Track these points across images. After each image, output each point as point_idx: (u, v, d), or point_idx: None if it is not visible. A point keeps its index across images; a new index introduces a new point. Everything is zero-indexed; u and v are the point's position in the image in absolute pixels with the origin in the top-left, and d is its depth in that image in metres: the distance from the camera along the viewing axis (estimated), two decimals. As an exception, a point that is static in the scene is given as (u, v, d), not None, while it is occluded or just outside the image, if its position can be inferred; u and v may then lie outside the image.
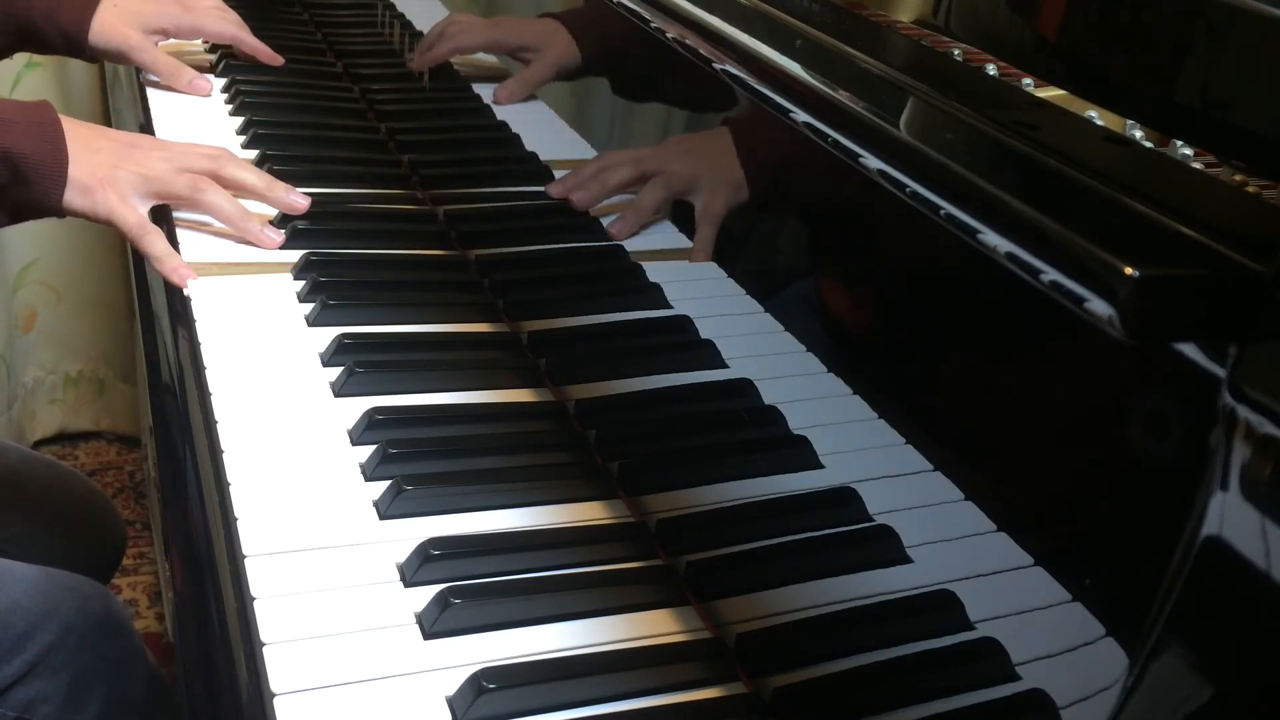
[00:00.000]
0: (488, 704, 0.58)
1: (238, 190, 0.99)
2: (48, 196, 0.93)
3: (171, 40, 1.33)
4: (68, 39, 1.23)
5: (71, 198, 0.93)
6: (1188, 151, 0.54)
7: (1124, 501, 0.54)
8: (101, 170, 0.94)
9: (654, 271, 0.95)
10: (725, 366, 0.85)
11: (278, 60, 1.34)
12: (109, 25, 1.23)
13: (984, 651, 0.60)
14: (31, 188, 0.92)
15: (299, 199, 1.01)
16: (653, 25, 0.88)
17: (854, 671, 0.62)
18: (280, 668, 0.59)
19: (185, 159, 0.98)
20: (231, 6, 1.45)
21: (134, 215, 0.95)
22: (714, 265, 0.91)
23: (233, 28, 1.32)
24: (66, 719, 0.95)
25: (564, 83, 1.22)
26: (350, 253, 0.98)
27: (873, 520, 0.69)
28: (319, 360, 0.84)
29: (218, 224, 0.99)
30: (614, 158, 1.05)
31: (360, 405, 0.78)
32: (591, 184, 1.04)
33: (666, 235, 1.01)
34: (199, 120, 1.20)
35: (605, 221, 1.03)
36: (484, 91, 1.30)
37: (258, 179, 1.00)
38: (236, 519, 0.68)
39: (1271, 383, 0.41)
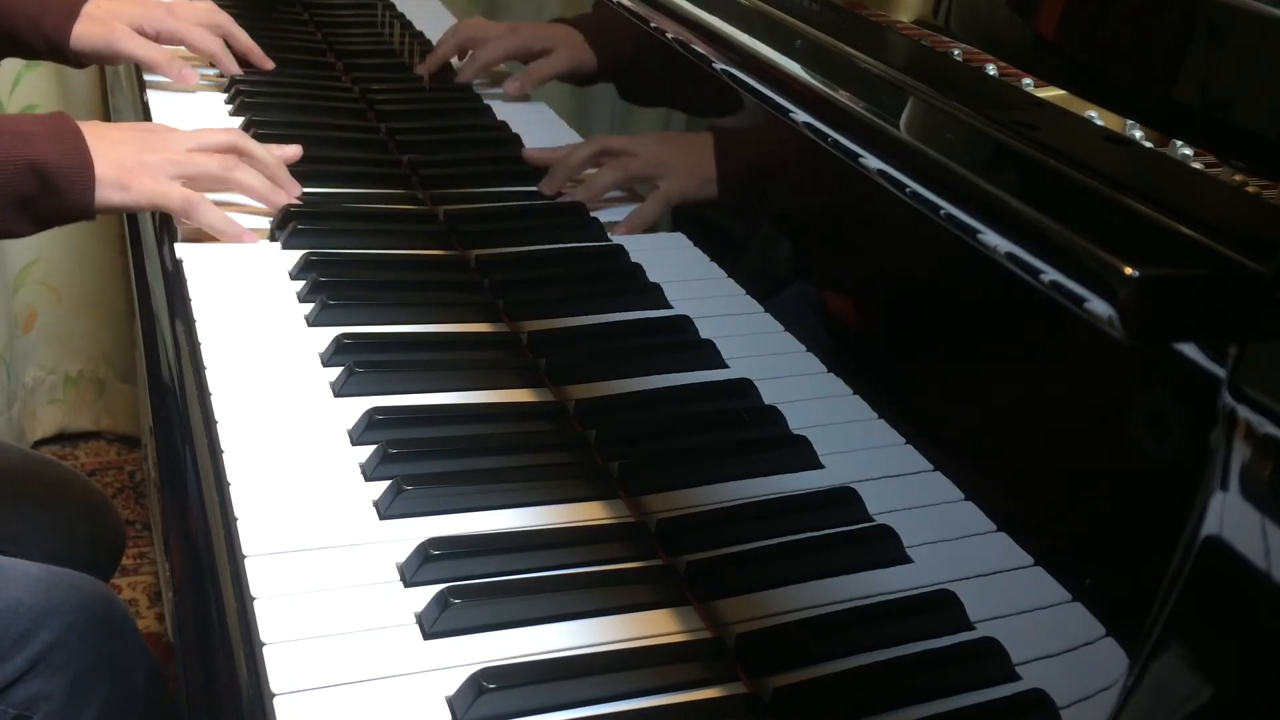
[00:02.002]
0: (488, 704, 0.58)
1: (258, 164, 1.03)
2: (79, 200, 0.94)
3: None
4: (50, 44, 1.24)
5: (106, 195, 0.95)
6: (1188, 151, 0.54)
7: (1124, 502, 0.54)
8: (129, 160, 0.96)
9: (654, 271, 0.95)
10: (725, 366, 0.85)
11: (267, 64, 1.34)
12: (90, 29, 1.24)
13: (984, 651, 0.60)
14: (62, 195, 0.93)
15: (293, 149, 1.08)
16: (653, 25, 0.88)
17: (854, 671, 0.62)
18: (280, 668, 0.59)
19: (206, 139, 1.01)
20: (232, 7, 1.45)
21: (177, 192, 0.97)
22: (715, 265, 0.91)
23: (214, 45, 1.31)
24: (68, 716, 0.95)
25: (564, 82, 1.22)
26: (350, 253, 0.98)
27: (873, 520, 0.69)
28: (319, 360, 0.84)
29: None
30: (582, 147, 1.09)
31: (360, 405, 0.78)
32: (559, 171, 1.08)
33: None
34: (199, 120, 1.20)
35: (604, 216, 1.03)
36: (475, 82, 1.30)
37: (266, 154, 1.04)
38: (236, 519, 0.68)
39: (1271, 383, 0.41)
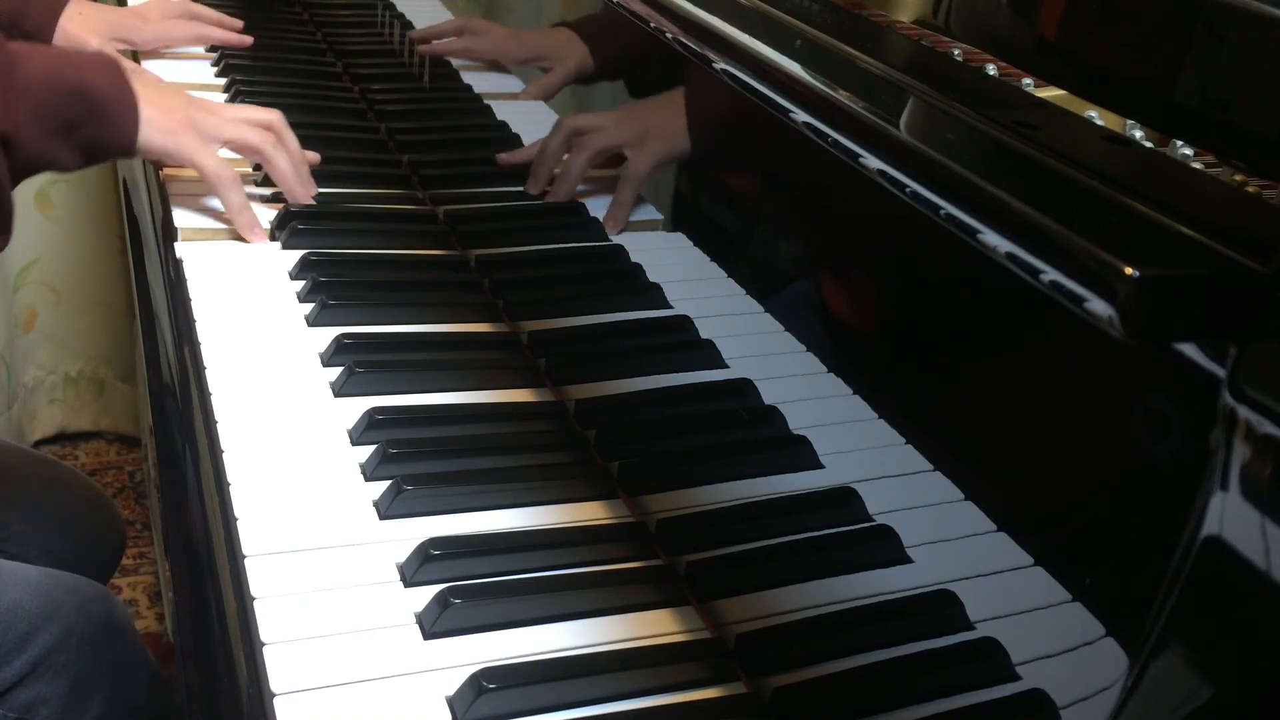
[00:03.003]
0: (488, 704, 0.58)
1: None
2: (123, 132, 0.94)
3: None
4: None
5: (149, 135, 0.95)
6: (1188, 151, 0.54)
7: (1124, 501, 0.54)
8: (176, 112, 0.97)
9: (654, 272, 0.95)
10: (725, 366, 0.85)
11: (246, 40, 1.37)
12: (70, 32, 1.27)
13: (984, 651, 0.60)
14: (107, 123, 0.93)
15: (314, 155, 1.08)
16: (653, 25, 0.88)
17: (854, 671, 0.62)
18: (280, 668, 0.59)
19: (249, 113, 1.03)
20: (233, 7, 1.46)
21: (214, 160, 0.98)
22: (715, 265, 0.91)
23: (193, 29, 1.35)
24: (67, 720, 0.95)
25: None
26: (350, 253, 0.98)
27: (873, 520, 0.70)
28: (319, 360, 0.84)
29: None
30: (552, 136, 1.09)
31: (360, 405, 0.78)
32: (539, 167, 1.09)
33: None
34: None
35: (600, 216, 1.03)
36: (475, 82, 1.30)
37: (296, 146, 1.05)
38: (236, 519, 0.68)
39: (1271, 383, 0.41)
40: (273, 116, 1.04)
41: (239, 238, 0.99)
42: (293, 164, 1.04)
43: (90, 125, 0.93)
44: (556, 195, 1.07)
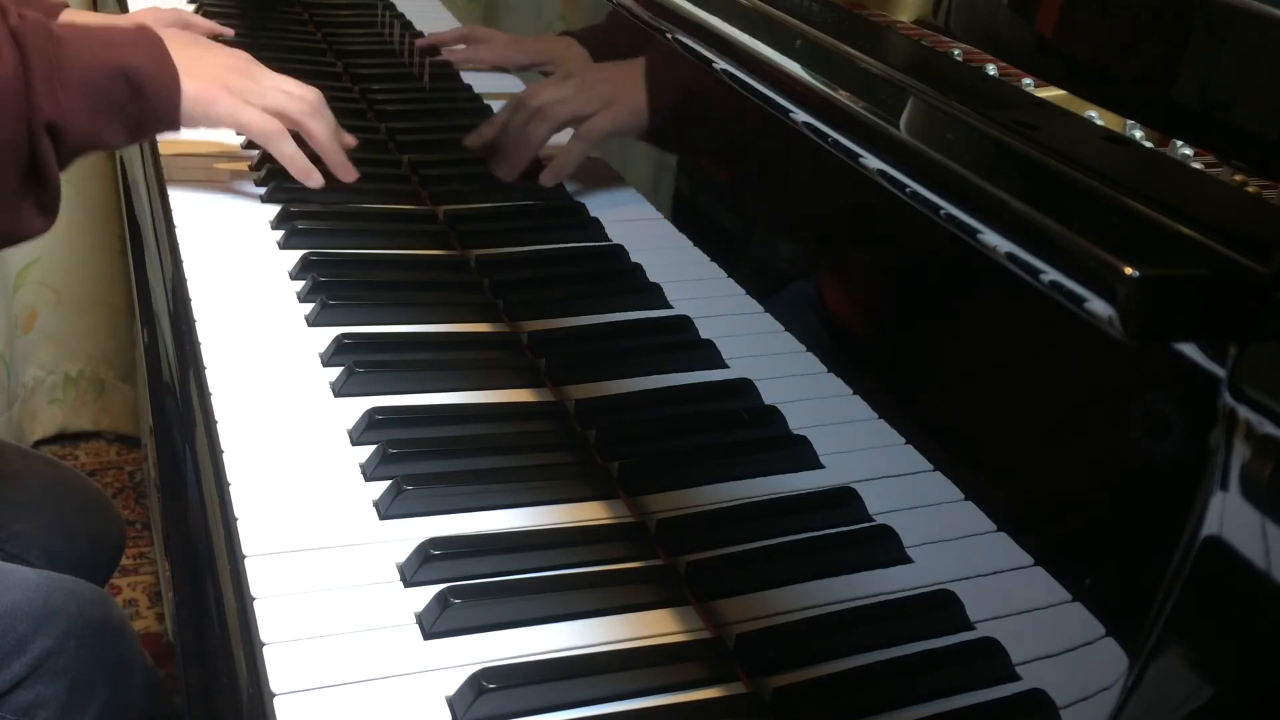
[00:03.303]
0: (488, 704, 0.58)
1: None
2: (166, 109, 0.95)
3: None
4: None
5: (190, 109, 0.96)
6: (1188, 151, 0.54)
7: (1124, 502, 0.54)
8: (215, 79, 0.98)
9: (654, 272, 0.95)
10: (725, 366, 0.85)
11: (228, 33, 1.38)
12: None
13: (984, 651, 0.60)
14: (150, 101, 0.94)
15: (350, 138, 1.08)
16: (653, 26, 0.88)
17: (854, 671, 0.62)
18: (280, 668, 0.59)
19: (288, 84, 1.03)
20: (233, 7, 1.47)
21: (258, 116, 0.99)
22: (715, 265, 0.91)
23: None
24: (66, 722, 0.95)
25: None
26: (350, 253, 0.98)
27: (873, 520, 0.69)
28: (319, 360, 0.84)
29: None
30: (510, 108, 1.08)
31: (360, 405, 0.78)
32: (512, 153, 1.08)
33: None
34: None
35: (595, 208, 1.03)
36: (475, 82, 1.30)
37: (333, 120, 1.05)
38: (236, 519, 0.68)
39: (1271, 383, 0.41)
40: (311, 93, 1.04)
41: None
42: (330, 136, 1.03)
43: (135, 104, 0.93)
44: (508, 172, 1.06)
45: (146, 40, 0.96)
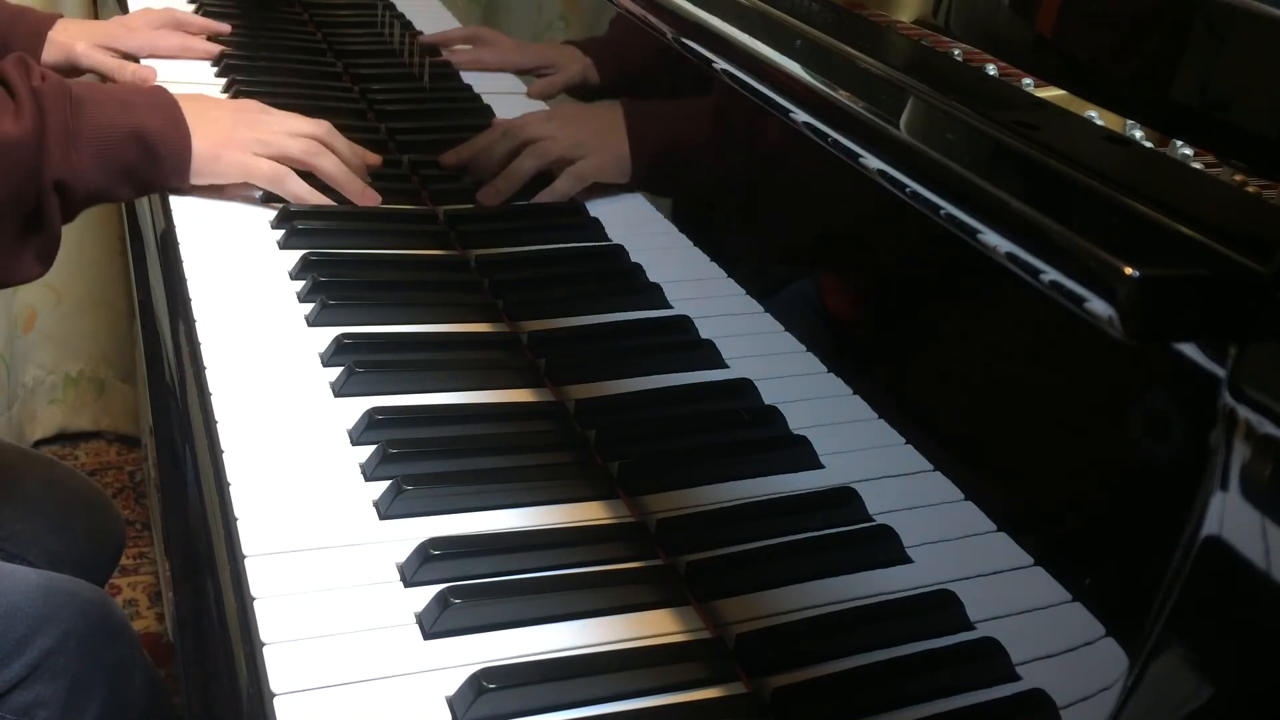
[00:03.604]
0: (488, 704, 0.58)
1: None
2: (176, 170, 0.99)
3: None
4: None
5: (199, 167, 1.00)
6: (1188, 151, 0.54)
7: (1124, 501, 0.54)
8: (222, 135, 1.01)
9: (654, 271, 0.95)
10: (725, 366, 0.85)
11: (225, 29, 1.40)
12: (56, 44, 1.30)
13: (984, 651, 0.60)
14: (161, 164, 0.98)
15: (374, 157, 1.10)
16: (653, 26, 0.88)
17: (854, 671, 0.62)
18: (280, 668, 0.59)
19: (296, 125, 1.06)
20: (233, 7, 1.47)
21: (265, 165, 1.02)
22: (715, 265, 0.91)
23: (179, 41, 1.37)
24: (66, 722, 0.95)
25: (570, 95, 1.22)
26: (350, 253, 0.98)
27: (873, 520, 0.69)
28: (319, 360, 0.84)
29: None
30: (495, 133, 1.10)
31: (360, 405, 0.78)
32: (482, 160, 1.10)
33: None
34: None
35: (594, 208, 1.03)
36: (475, 82, 1.30)
37: (348, 149, 1.07)
38: (236, 519, 0.68)
39: (1271, 383, 0.41)
40: (319, 128, 1.06)
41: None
42: (340, 168, 1.05)
43: (144, 166, 0.97)
44: (492, 198, 1.07)
45: (162, 102, 0.99)
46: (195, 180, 1.01)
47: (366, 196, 1.05)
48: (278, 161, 1.03)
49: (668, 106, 0.93)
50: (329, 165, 1.04)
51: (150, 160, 0.97)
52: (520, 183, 1.06)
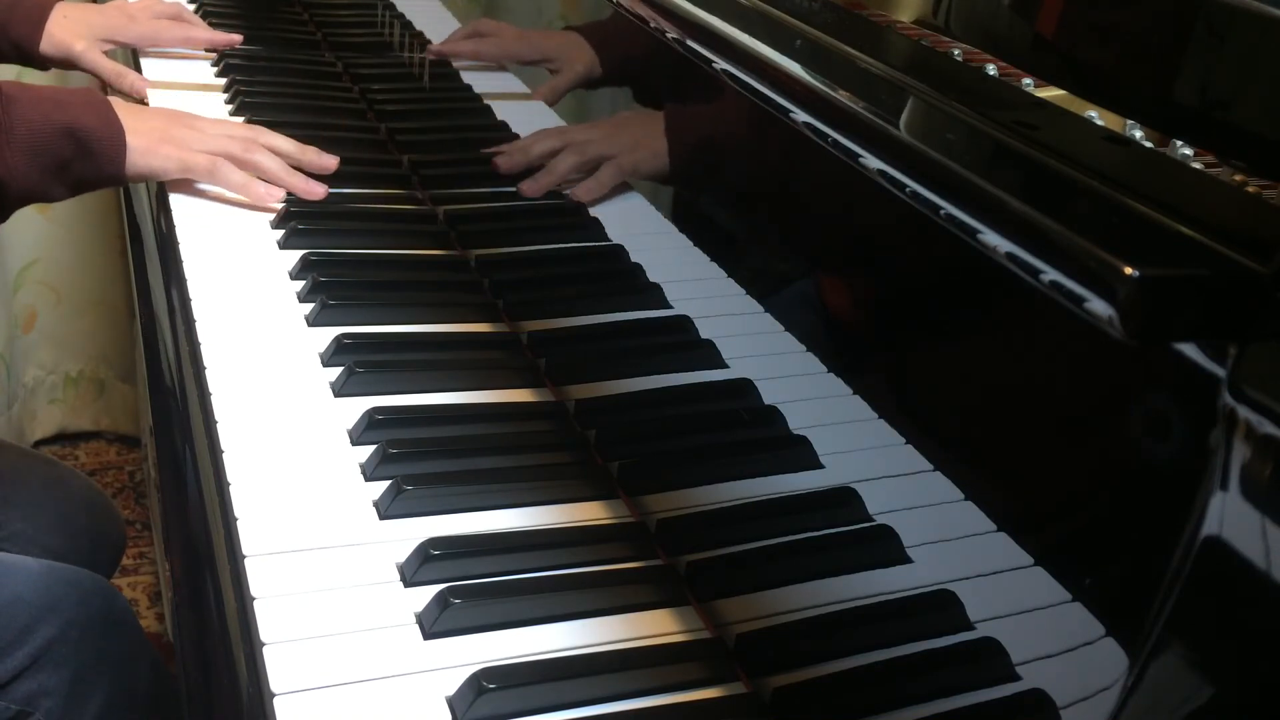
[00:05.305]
0: (488, 704, 0.58)
1: (277, 154, 1.07)
2: (111, 164, 1.00)
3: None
4: (19, 49, 1.31)
5: (134, 161, 1.01)
6: (1188, 151, 0.54)
7: (1124, 501, 0.54)
8: (157, 133, 1.03)
9: (654, 271, 0.95)
10: (725, 366, 0.85)
11: (235, 39, 1.40)
12: (57, 35, 1.31)
13: (984, 651, 0.60)
14: (96, 159, 0.99)
15: (329, 159, 1.09)
16: (653, 26, 0.88)
17: (854, 671, 0.62)
18: (280, 668, 0.59)
19: (230, 127, 1.07)
20: (232, 7, 1.47)
21: (200, 156, 1.03)
22: (715, 265, 0.91)
23: (181, 31, 1.37)
24: (69, 712, 0.95)
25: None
26: (350, 253, 0.98)
27: (873, 520, 0.69)
28: (319, 360, 0.84)
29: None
30: (540, 134, 1.12)
31: (360, 405, 0.78)
32: (518, 156, 1.12)
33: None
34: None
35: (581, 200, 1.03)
36: (475, 82, 1.30)
37: (290, 145, 1.08)
38: (236, 519, 0.68)
39: (1271, 383, 0.41)
40: (252, 130, 1.07)
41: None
42: (278, 164, 1.05)
43: (80, 162, 0.98)
44: (533, 190, 1.08)
45: (94, 100, 1.00)
46: (131, 174, 1.01)
47: (310, 190, 1.05)
48: (216, 155, 1.03)
49: (705, 108, 0.94)
50: (266, 161, 1.05)
51: (84, 155, 0.98)
52: (562, 177, 1.08)
